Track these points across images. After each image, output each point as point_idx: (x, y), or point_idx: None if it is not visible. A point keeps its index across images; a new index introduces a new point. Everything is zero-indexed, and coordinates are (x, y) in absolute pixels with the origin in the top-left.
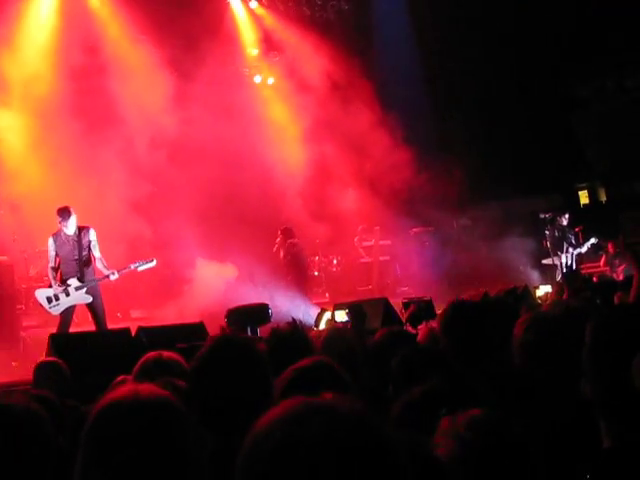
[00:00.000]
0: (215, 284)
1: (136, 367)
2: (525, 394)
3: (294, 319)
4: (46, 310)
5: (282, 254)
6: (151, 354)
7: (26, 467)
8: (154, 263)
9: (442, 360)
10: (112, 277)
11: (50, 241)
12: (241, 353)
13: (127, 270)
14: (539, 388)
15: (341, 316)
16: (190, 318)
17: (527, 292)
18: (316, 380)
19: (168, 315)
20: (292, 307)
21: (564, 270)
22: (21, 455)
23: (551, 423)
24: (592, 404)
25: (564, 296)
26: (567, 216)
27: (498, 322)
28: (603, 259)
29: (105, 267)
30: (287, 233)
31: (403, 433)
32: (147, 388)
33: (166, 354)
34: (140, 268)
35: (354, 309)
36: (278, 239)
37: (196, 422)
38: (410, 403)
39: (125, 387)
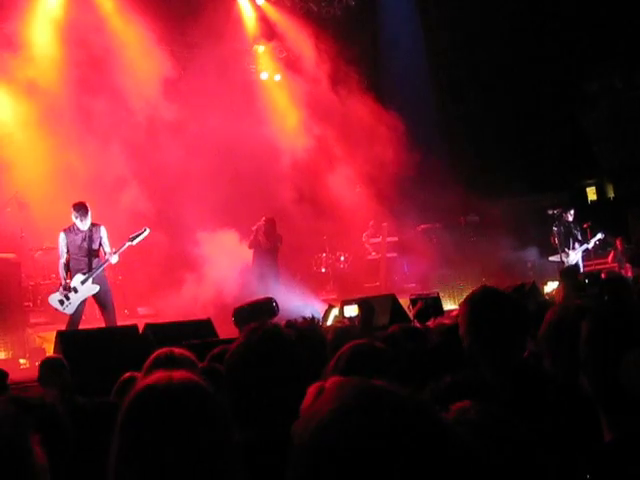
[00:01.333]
0: (229, 271)
1: (147, 363)
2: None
3: (313, 316)
4: (61, 312)
5: (270, 243)
6: (162, 350)
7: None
8: (147, 232)
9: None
10: (112, 259)
11: (62, 236)
12: (280, 349)
13: (124, 247)
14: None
15: (351, 311)
16: (205, 302)
17: (535, 288)
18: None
19: (181, 303)
20: (298, 301)
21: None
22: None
23: (556, 418)
24: (591, 398)
25: (560, 293)
26: (572, 212)
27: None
28: (611, 255)
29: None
30: (274, 224)
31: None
32: (180, 373)
33: (178, 350)
34: (135, 241)
35: (363, 304)
36: (261, 224)
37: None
38: (436, 395)
39: (158, 373)
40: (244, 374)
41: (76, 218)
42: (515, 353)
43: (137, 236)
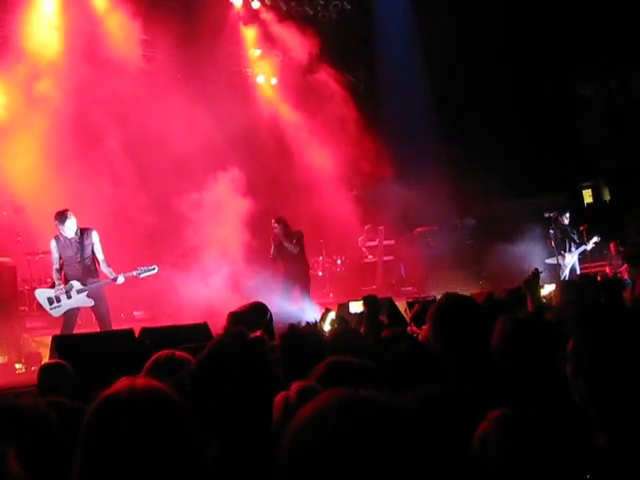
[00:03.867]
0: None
1: (147, 364)
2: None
3: (316, 322)
4: (47, 311)
5: (297, 246)
6: (163, 352)
7: (35, 465)
8: (156, 270)
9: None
10: (119, 281)
11: (52, 243)
12: (244, 355)
13: (130, 275)
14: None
15: (356, 307)
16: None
17: None
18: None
19: (180, 307)
20: (294, 305)
21: (567, 272)
22: (30, 454)
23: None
24: (583, 403)
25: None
26: (568, 215)
27: (490, 321)
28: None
29: (110, 270)
30: (285, 220)
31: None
32: (143, 381)
33: (179, 353)
34: (142, 275)
35: (369, 300)
36: (278, 230)
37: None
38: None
39: (121, 382)
40: (206, 384)
41: (56, 227)
42: (483, 357)
43: (145, 271)
